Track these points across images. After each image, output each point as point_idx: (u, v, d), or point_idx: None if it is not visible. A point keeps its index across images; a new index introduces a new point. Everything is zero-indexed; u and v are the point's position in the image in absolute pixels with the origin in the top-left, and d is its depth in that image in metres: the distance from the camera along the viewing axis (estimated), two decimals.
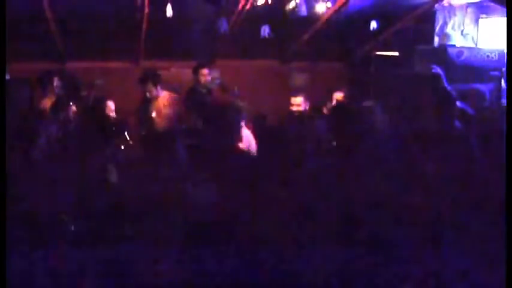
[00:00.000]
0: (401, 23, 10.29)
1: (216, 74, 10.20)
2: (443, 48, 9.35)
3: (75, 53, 10.41)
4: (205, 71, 9.21)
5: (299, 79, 11.84)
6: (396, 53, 10.12)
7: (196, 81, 9.20)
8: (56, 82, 8.15)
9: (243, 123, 6.02)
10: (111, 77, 10.18)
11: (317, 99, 9.48)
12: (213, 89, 9.69)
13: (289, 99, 9.18)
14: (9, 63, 9.02)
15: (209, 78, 9.38)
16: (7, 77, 8.96)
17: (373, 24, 9.62)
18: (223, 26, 9.10)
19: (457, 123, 6.11)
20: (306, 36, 10.70)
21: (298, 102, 8.93)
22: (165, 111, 8.54)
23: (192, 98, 9.00)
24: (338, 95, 9.03)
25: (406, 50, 9.75)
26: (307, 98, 9.10)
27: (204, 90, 9.22)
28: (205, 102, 8.94)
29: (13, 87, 9.07)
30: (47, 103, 7.81)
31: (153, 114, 8.49)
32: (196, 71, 9.21)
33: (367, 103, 7.63)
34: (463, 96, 6.91)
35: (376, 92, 8.95)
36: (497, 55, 8.94)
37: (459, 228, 3.98)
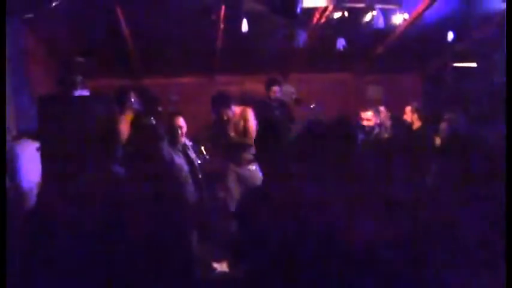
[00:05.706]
0: (478, 33, 10.11)
1: (292, 88, 10.19)
2: None
3: (151, 69, 10.58)
4: (275, 88, 9.31)
5: (374, 92, 11.76)
6: (473, 64, 9.94)
7: (267, 96, 9.31)
8: (133, 98, 8.22)
9: None
10: (187, 92, 10.31)
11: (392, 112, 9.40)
12: (288, 103, 9.73)
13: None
14: (87, 79, 9.28)
15: (279, 93, 9.40)
16: (87, 93, 9.14)
17: (450, 35, 9.45)
18: (302, 38, 9.08)
19: None
20: (381, 49, 10.63)
21: (369, 117, 8.80)
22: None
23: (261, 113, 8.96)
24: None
25: (483, 60, 9.58)
26: (378, 112, 8.94)
27: (275, 105, 9.26)
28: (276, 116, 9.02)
29: (91, 104, 9.23)
30: (125, 119, 7.91)
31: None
32: (267, 87, 9.34)
33: (448, 115, 7.54)
34: None
35: (453, 104, 8.80)
36: None
37: None
